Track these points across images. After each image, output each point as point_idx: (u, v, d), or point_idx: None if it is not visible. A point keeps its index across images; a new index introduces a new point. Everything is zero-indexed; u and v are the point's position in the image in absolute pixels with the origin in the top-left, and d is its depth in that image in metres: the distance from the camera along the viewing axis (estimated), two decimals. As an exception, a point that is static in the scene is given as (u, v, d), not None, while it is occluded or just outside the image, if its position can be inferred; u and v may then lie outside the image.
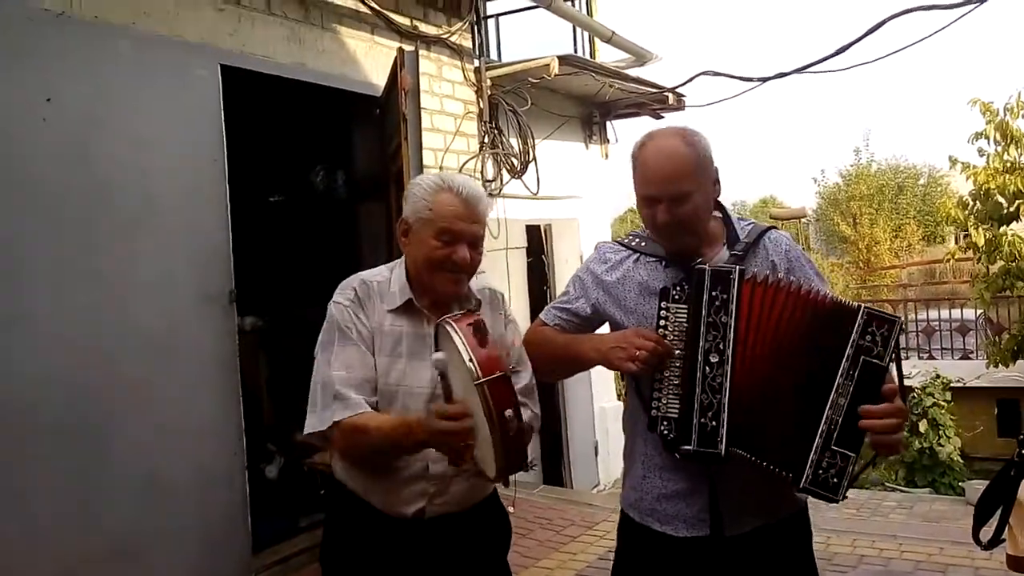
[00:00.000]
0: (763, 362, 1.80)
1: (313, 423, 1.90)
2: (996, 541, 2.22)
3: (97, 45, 3.46)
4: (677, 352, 1.83)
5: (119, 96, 3.53)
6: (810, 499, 2.02)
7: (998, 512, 2.24)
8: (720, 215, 2.03)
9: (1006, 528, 2.23)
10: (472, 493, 2.01)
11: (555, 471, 6.86)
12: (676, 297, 1.85)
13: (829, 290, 1.94)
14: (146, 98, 3.64)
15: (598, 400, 7.38)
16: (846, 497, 1.75)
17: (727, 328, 1.80)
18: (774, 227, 2.07)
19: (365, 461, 1.96)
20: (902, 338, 8.56)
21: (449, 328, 1.76)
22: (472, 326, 1.73)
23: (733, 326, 1.80)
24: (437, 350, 1.86)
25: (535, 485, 5.99)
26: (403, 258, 2.04)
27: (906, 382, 6.15)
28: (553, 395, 6.95)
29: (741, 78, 5.28)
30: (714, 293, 1.81)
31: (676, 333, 1.84)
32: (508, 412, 1.67)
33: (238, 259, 4.03)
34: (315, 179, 5.64)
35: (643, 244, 2.02)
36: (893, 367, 1.78)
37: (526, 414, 1.99)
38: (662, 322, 1.85)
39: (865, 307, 1.77)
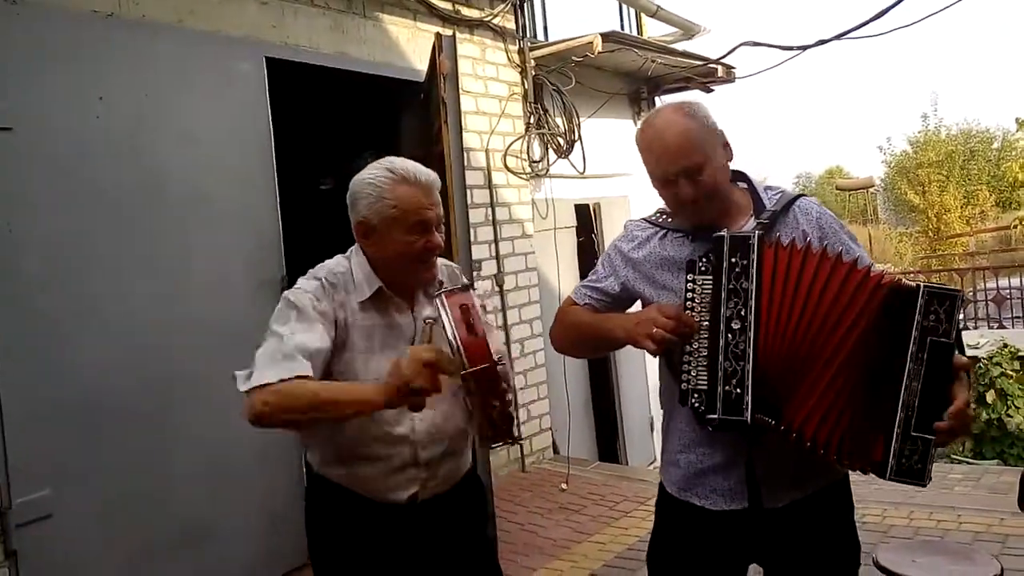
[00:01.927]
0: (794, 330, 1.78)
1: (257, 378, 1.74)
2: (1041, 508, 2.20)
3: (145, 44, 3.59)
4: (704, 324, 1.83)
5: (168, 93, 3.67)
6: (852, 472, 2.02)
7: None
8: (746, 186, 2.02)
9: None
10: (457, 470, 2.05)
11: (610, 448, 6.89)
12: (702, 269, 1.84)
13: (868, 257, 1.92)
14: (194, 93, 3.77)
15: (652, 376, 7.36)
16: (931, 479, 1.72)
17: (748, 294, 1.79)
18: (803, 194, 2.05)
19: (316, 433, 1.94)
20: (971, 308, 8.34)
21: (442, 304, 1.76)
22: (464, 308, 1.74)
23: (755, 292, 1.79)
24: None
25: (589, 462, 6.03)
26: (356, 247, 2.00)
27: (974, 352, 6.00)
28: (607, 372, 6.98)
29: (781, 47, 5.19)
30: (733, 259, 1.80)
31: (704, 305, 1.83)
32: (494, 403, 1.70)
33: (290, 246, 4.16)
34: (364, 165, 5.74)
35: (669, 220, 2.02)
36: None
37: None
38: (689, 294, 1.85)
39: (924, 285, 1.74)
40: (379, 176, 1.91)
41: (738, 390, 1.78)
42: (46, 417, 3.19)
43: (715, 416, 1.80)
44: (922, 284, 1.75)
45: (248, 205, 3.98)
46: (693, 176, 1.87)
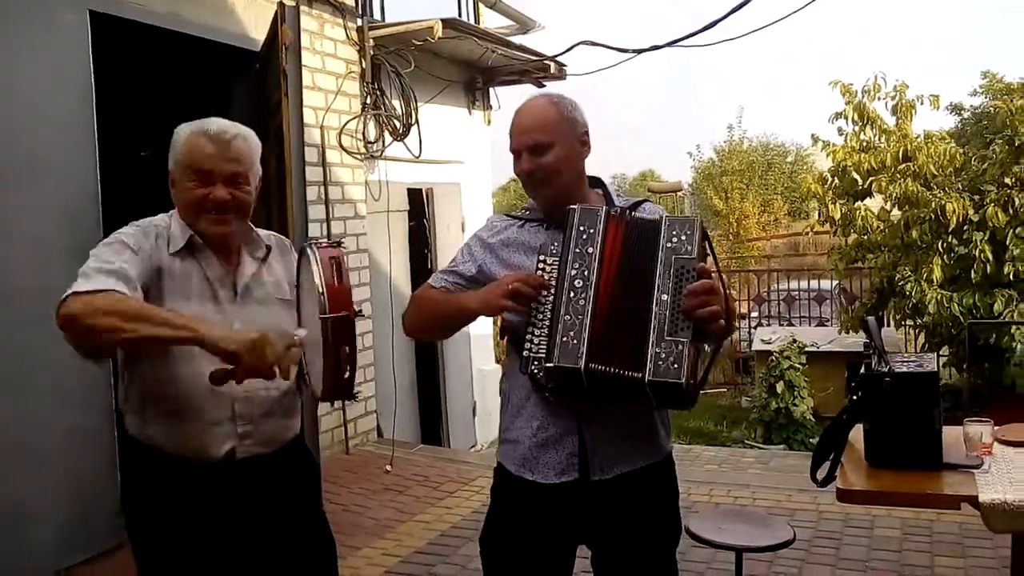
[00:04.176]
0: (615, 287, 1.93)
1: (77, 285, 1.71)
2: (830, 478, 2.46)
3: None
4: (550, 299, 1.93)
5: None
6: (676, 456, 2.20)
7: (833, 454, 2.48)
8: (601, 192, 2.19)
9: (839, 467, 2.47)
10: (281, 433, 2.06)
11: (433, 431, 6.97)
12: (553, 251, 1.97)
13: None
14: (9, 43, 3.49)
15: (477, 363, 7.52)
16: (691, 383, 1.85)
17: (592, 258, 1.93)
18: (648, 200, 2.26)
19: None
20: (765, 306, 8.96)
21: (311, 253, 1.82)
22: (333, 260, 1.79)
23: (598, 256, 1.93)
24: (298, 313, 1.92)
25: (413, 445, 6.09)
26: None
27: (767, 347, 6.59)
28: (433, 358, 7.04)
29: (618, 49, 5.48)
30: (582, 228, 1.95)
31: (555, 276, 1.95)
32: (345, 348, 1.76)
33: (108, 214, 3.92)
34: (189, 134, 5.48)
35: (528, 212, 2.16)
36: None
37: None
38: (539, 272, 1.97)
39: (665, 215, 2.00)
40: (186, 128, 1.97)
41: (575, 341, 1.89)
42: None
43: (551, 364, 1.89)
44: (663, 214, 2.01)
45: (66, 167, 3.73)
46: (537, 153, 2.03)
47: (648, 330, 1.86)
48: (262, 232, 2.11)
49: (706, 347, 1.98)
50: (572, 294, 1.91)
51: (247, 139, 1.99)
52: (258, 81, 4.72)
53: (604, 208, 1.99)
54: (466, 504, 4.71)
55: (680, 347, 1.84)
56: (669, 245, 1.91)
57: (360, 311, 1.82)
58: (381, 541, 4.27)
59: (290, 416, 2.09)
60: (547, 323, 1.92)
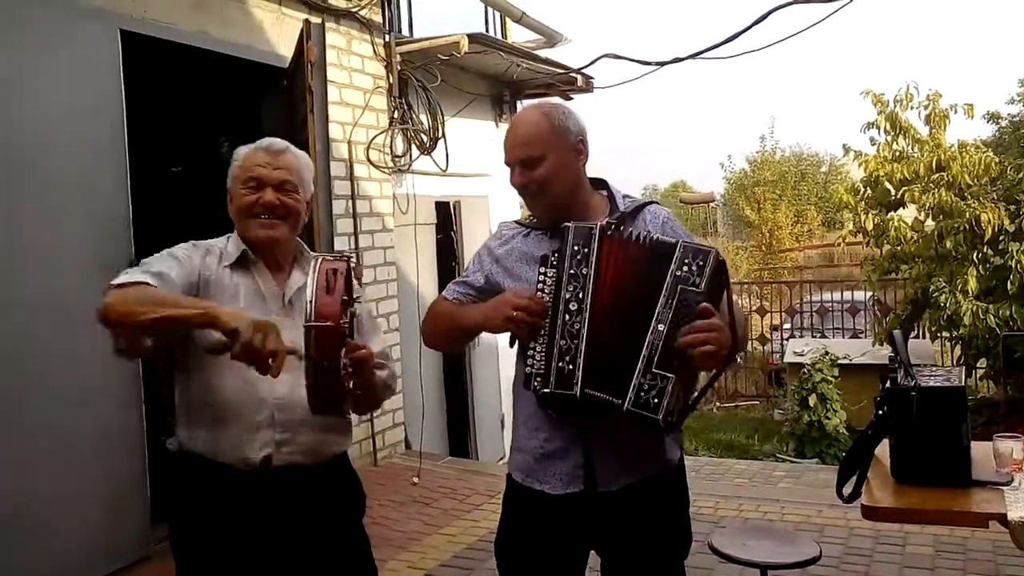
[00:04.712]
0: (611, 306, 1.91)
1: (115, 280, 1.86)
2: (856, 494, 2.42)
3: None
4: (548, 318, 1.93)
5: (12, 58, 3.45)
6: (690, 469, 2.18)
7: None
8: (605, 193, 2.17)
9: (864, 482, 2.43)
10: (322, 446, 2.06)
11: (461, 444, 6.97)
12: (553, 263, 1.97)
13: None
14: (41, 61, 3.56)
15: (505, 374, 7.51)
16: (671, 420, 1.82)
17: (587, 279, 1.91)
18: (655, 201, 2.23)
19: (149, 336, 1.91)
20: (797, 318, 8.83)
21: (314, 264, 1.83)
22: (331, 271, 1.79)
23: (593, 277, 1.91)
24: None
25: (441, 457, 6.10)
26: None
27: (799, 359, 6.48)
28: (461, 369, 7.05)
29: (640, 61, 5.48)
30: (576, 247, 1.93)
31: (552, 295, 1.95)
32: (325, 362, 1.74)
33: (140, 229, 3.99)
34: (220, 150, 5.58)
35: (534, 220, 2.15)
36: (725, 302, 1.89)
37: (383, 373, 2.08)
38: (540, 285, 1.97)
39: (682, 241, 1.90)
40: (242, 148, 2.10)
41: (570, 366, 1.89)
42: None
43: (548, 390, 1.90)
44: (680, 240, 1.92)
45: (96, 181, 3.80)
46: (529, 167, 2.02)
47: (638, 358, 1.84)
48: (314, 253, 2.17)
49: (699, 380, 1.94)
50: (567, 317, 1.91)
51: (297, 156, 2.12)
52: (286, 97, 4.78)
53: (598, 225, 1.96)
54: (492, 517, 4.69)
55: (665, 383, 1.81)
56: (678, 273, 1.85)
57: (347, 322, 1.81)
58: (407, 553, 4.27)
59: (332, 431, 2.08)
60: (546, 342, 1.92)
